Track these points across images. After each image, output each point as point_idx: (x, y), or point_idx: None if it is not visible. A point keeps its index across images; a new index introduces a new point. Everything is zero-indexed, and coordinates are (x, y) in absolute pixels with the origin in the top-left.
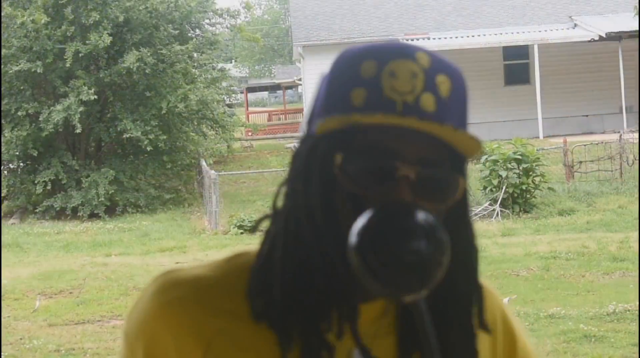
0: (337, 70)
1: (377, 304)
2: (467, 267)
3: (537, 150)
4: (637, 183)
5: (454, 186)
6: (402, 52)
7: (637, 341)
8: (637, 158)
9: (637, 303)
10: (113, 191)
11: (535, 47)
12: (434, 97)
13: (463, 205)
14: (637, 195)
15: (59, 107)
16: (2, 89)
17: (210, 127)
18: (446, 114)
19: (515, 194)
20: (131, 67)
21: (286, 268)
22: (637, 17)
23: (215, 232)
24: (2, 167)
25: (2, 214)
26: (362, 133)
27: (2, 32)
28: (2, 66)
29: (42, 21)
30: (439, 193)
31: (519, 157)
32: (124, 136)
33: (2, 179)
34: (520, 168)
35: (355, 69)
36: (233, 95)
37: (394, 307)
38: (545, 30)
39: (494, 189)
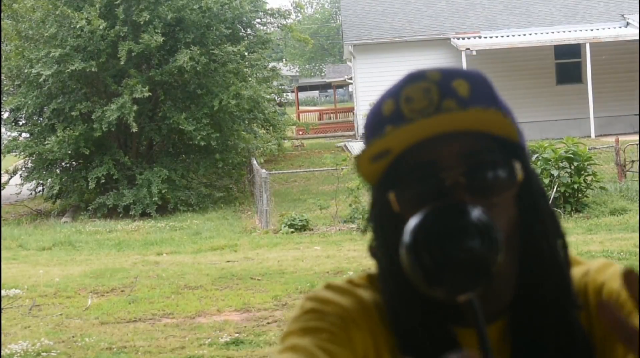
0: (367, 123)
1: (492, 330)
2: (546, 249)
3: (588, 149)
4: None
5: (509, 171)
6: (411, 77)
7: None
8: None
9: None
10: (165, 189)
11: (587, 46)
12: (454, 99)
13: (530, 190)
14: None
15: (113, 106)
16: (55, 88)
17: (261, 126)
18: (471, 107)
19: (567, 194)
20: (184, 65)
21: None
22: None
23: (266, 231)
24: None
25: (53, 213)
26: (402, 163)
27: (57, 32)
28: (56, 66)
29: (100, 25)
30: (496, 183)
31: (571, 156)
32: (178, 127)
33: (55, 178)
34: (572, 167)
35: (380, 113)
36: (284, 94)
37: (510, 335)
38: (597, 29)
39: (545, 189)
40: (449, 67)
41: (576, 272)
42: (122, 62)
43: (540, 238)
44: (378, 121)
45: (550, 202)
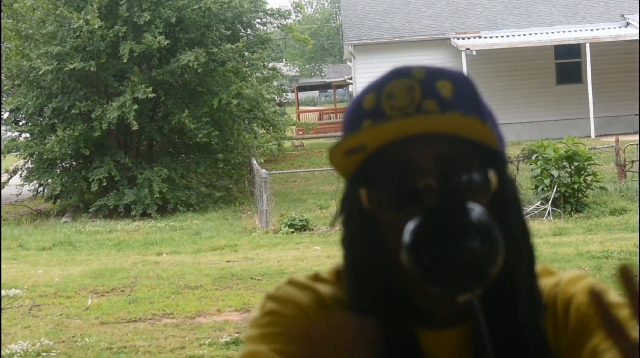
0: (346, 115)
1: (454, 334)
2: (511, 261)
3: (588, 149)
4: None
5: (483, 178)
6: (396, 73)
7: None
8: None
9: None
10: (165, 189)
11: (587, 46)
12: (436, 101)
13: (503, 199)
14: None
15: (114, 105)
16: (55, 87)
17: (261, 126)
18: (451, 110)
19: (567, 194)
20: (190, 64)
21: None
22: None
23: (266, 231)
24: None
25: (53, 212)
26: (376, 160)
27: (56, 31)
28: (56, 65)
29: (97, 25)
30: (468, 189)
31: (571, 155)
32: (179, 127)
33: (55, 178)
34: (572, 167)
35: (360, 106)
36: (284, 94)
37: (473, 340)
38: (597, 29)
39: (545, 189)
40: (436, 66)
41: (547, 283)
42: (124, 61)
43: (507, 249)
44: (357, 114)
45: (550, 202)
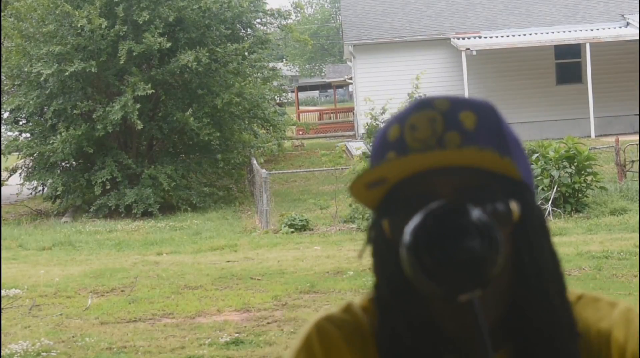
0: (373, 145)
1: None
2: (537, 290)
3: (589, 149)
4: None
5: (503, 209)
6: (420, 104)
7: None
8: None
9: None
10: (172, 185)
11: (587, 46)
12: (458, 133)
13: (527, 230)
14: None
15: (115, 106)
16: (55, 87)
17: (261, 126)
18: (473, 143)
19: (567, 194)
20: (189, 64)
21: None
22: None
23: (266, 231)
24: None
25: (53, 212)
26: (398, 192)
27: (57, 30)
28: (56, 65)
29: (102, 24)
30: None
31: (572, 155)
32: (179, 127)
33: (56, 178)
34: (573, 167)
35: (385, 137)
36: (284, 94)
37: None
38: (597, 29)
39: (545, 189)
40: (460, 96)
41: (592, 318)
42: (121, 62)
43: (532, 279)
44: (383, 145)
45: (550, 202)
